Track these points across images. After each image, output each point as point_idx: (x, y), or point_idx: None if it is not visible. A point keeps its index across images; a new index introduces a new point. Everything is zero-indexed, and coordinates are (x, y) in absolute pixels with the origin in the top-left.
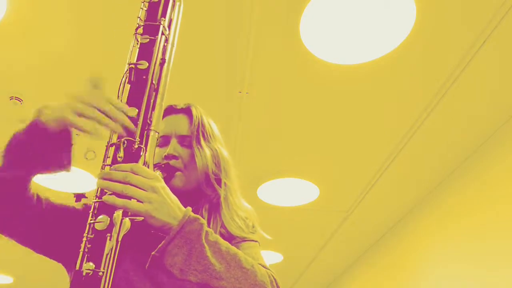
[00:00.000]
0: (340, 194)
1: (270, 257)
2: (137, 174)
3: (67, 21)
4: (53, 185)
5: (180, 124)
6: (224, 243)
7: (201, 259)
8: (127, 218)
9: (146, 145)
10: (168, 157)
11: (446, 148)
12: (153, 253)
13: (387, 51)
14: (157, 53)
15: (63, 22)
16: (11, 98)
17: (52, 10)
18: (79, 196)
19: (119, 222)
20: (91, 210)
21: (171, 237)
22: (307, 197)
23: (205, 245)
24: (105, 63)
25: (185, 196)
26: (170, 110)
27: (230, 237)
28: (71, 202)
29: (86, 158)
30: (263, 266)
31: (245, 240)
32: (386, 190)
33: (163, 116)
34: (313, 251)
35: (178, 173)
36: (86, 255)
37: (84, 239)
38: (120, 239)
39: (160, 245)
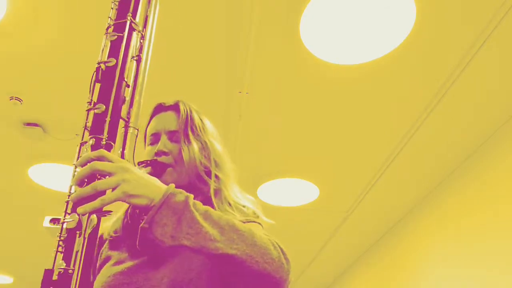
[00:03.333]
0: (340, 194)
1: None
2: (104, 160)
3: (68, 21)
4: (53, 185)
5: (169, 121)
6: (216, 212)
7: (193, 223)
8: (94, 215)
9: (123, 141)
10: (158, 153)
11: (446, 148)
12: (141, 224)
13: (387, 51)
14: (126, 49)
15: (63, 22)
16: (11, 98)
17: (52, 10)
18: None
19: (85, 220)
20: (64, 209)
21: (157, 207)
22: (307, 197)
23: (195, 211)
24: None
25: None
26: (159, 108)
27: None
28: None
29: None
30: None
31: (246, 222)
32: (386, 190)
33: (153, 115)
34: (313, 251)
35: (169, 169)
36: (60, 255)
37: (57, 239)
38: (87, 235)
39: (147, 216)
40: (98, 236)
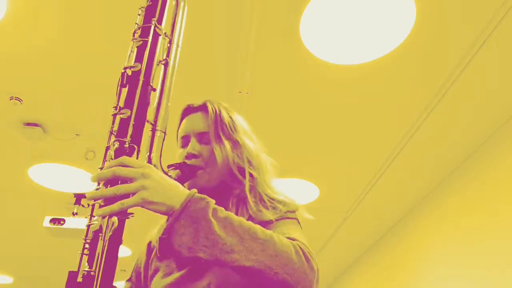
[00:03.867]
0: (340, 194)
1: None
2: (125, 166)
3: (68, 22)
4: (53, 185)
5: (197, 122)
6: (237, 218)
7: (209, 234)
8: (115, 217)
9: (150, 145)
10: (188, 156)
11: (446, 148)
12: (159, 235)
13: (387, 51)
14: (151, 54)
15: (63, 22)
16: (11, 98)
17: (52, 10)
18: (79, 196)
19: (106, 222)
20: (91, 212)
21: (175, 217)
22: (307, 197)
23: (213, 220)
24: (106, 62)
25: (211, 193)
26: (188, 110)
27: (262, 224)
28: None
29: (86, 158)
30: (291, 238)
31: (279, 220)
32: (386, 190)
33: (183, 117)
34: (313, 251)
35: (200, 171)
36: (86, 257)
37: (83, 241)
38: (107, 238)
39: (166, 225)
40: (147, 243)
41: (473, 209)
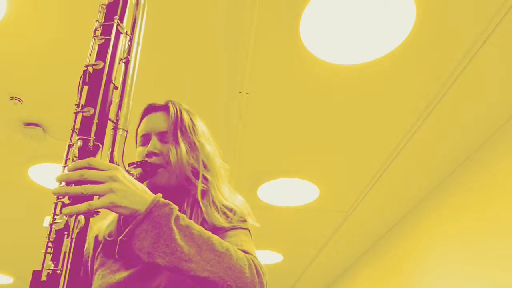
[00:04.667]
0: (340, 194)
1: (270, 257)
2: (93, 168)
3: (68, 21)
4: (53, 185)
5: (158, 121)
6: (198, 228)
7: (169, 241)
8: (81, 216)
9: (112, 143)
10: (148, 154)
11: (446, 148)
12: (120, 237)
13: (387, 51)
14: (113, 52)
15: (63, 22)
16: (11, 98)
17: (52, 10)
18: None
19: (73, 220)
20: (52, 211)
21: (138, 221)
22: (307, 197)
23: (174, 228)
24: None
25: (170, 192)
26: (149, 109)
27: (214, 230)
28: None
29: None
30: (244, 251)
31: (231, 229)
32: (386, 190)
33: (144, 116)
34: (313, 251)
35: (160, 169)
36: (49, 256)
37: (46, 240)
38: (74, 236)
39: (127, 229)
40: (94, 235)
41: (473, 209)
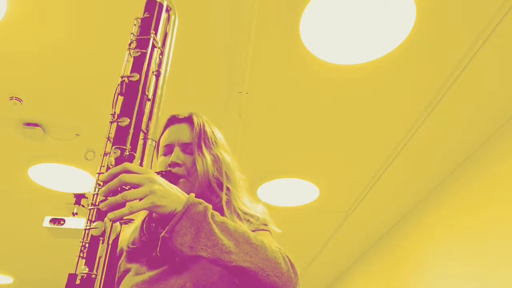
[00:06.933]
0: (340, 194)
1: None
2: (130, 173)
3: (68, 21)
4: (53, 185)
5: (182, 133)
6: (232, 223)
7: (210, 235)
8: (117, 222)
9: (142, 152)
10: (171, 164)
11: (446, 148)
12: (162, 234)
13: (387, 51)
14: (148, 65)
15: (63, 22)
16: (11, 98)
17: (52, 10)
18: (79, 196)
19: (109, 226)
20: (88, 217)
21: (178, 218)
22: (307, 197)
23: (212, 223)
24: (105, 62)
25: None
26: (173, 120)
27: None
28: None
29: (86, 158)
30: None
31: (255, 230)
32: (386, 190)
33: (167, 127)
34: (313, 251)
35: (181, 180)
36: (84, 260)
37: (80, 244)
38: (110, 242)
39: (168, 226)
40: (120, 248)
41: (473, 209)
